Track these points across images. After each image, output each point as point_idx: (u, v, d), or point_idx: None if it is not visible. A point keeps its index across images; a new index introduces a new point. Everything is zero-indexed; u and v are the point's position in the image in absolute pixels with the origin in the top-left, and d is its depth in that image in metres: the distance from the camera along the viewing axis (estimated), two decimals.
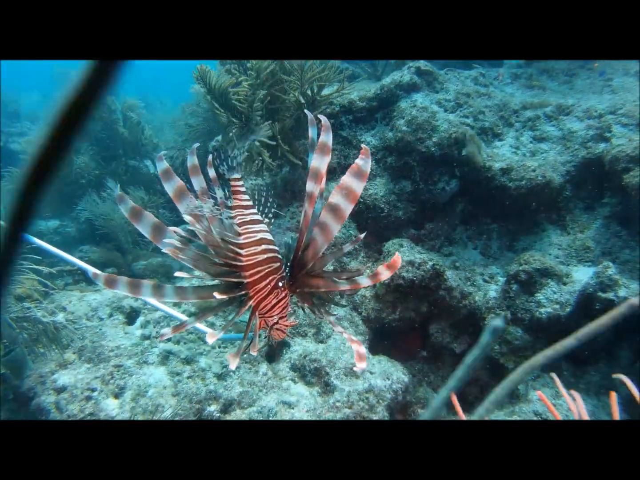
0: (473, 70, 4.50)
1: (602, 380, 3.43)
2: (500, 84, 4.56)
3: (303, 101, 3.73)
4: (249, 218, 1.94)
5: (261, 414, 3.10)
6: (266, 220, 2.07)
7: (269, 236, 1.89)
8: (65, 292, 3.90)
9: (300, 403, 3.19)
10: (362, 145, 1.53)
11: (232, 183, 2.12)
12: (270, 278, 1.80)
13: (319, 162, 1.64)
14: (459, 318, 3.69)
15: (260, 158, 3.61)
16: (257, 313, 1.78)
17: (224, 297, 1.69)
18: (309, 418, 3.09)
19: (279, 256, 1.85)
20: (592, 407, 3.25)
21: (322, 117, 1.68)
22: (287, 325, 1.83)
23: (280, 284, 1.82)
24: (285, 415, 3.09)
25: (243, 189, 2.07)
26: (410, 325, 3.73)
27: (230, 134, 3.47)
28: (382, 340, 3.79)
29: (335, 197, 1.60)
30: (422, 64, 4.14)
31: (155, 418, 3.03)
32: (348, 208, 1.60)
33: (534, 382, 3.35)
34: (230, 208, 1.99)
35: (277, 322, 1.81)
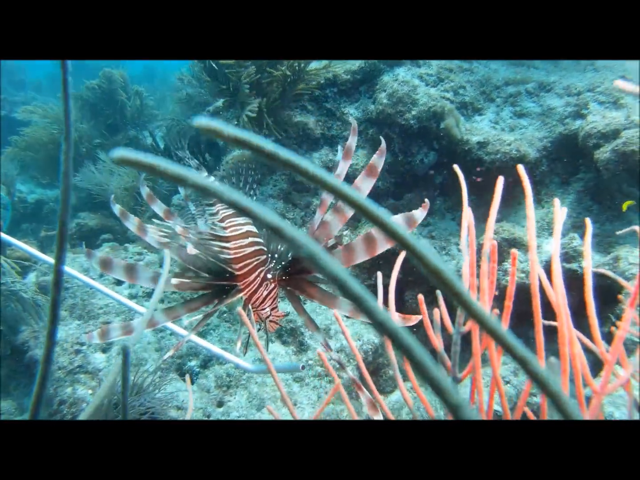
0: None
1: None
2: (486, 60, 4.63)
3: (289, 73, 3.84)
4: (231, 211, 2.03)
5: (238, 369, 3.28)
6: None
7: (253, 228, 1.98)
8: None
9: (276, 360, 3.37)
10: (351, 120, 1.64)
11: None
12: (259, 270, 1.89)
13: (342, 168, 1.75)
14: (433, 286, 3.83)
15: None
16: (250, 306, 1.85)
17: (217, 282, 1.80)
18: (285, 376, 3.27)
19: (264, 248, 1.94)
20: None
21: (353, 121, 1.78)
22: (279, 317, 1.88)
23: (269, 276, 1.91)
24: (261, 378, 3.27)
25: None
26: (386, 291, 3.88)
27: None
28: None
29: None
30: None
31: (138, 371, 3.21)
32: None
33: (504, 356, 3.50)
34: (212, 204, 2.11)
35: (269, 315, 1.86)
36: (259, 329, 1.86)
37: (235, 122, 3.86)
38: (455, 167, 1.61)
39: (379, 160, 1.65)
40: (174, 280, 1.67)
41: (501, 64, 4.67)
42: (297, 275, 1.86)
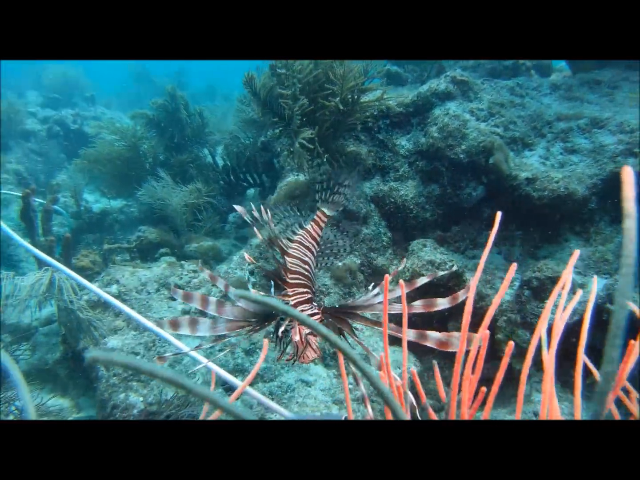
0: (510, 80, 4.65)
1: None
2: (538, 95, 4.68)
3: (342, 108, 4.00)
4: (300, 254, 2.28)
5: (280, 388, 3.45)
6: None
7: (309, 275, 2.21)
8: (119, 267, 4.36)
9: (317, 382, 3.52)
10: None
11: (318, 213, 2.52)
12: (308, 289, 2.10)
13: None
14: (477, 319, 3.90)
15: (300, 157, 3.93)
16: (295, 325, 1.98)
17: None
18: (323, 397, 3.41)
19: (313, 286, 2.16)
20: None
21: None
22: (315, 348, 1.91)
23: (315, 303, 2.10)
24: (302, 392, 3.43)
25: (322, 224, 2.43)
26: (430, 320, 3.97)
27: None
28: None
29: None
30: (458, 73, 4.34)
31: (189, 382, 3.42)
32: None
33: (539, 384, 3.53)
34: (293, 241, 2.36)
35: (308, 335, 1.91)
36: (293, 356, 1.93)
37: (291, 150, 4.05)
38: (498, 215, 1.55)
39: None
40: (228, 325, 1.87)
41: (554, 99, 4.71)
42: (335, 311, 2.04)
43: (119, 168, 6.64)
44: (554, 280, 3.50)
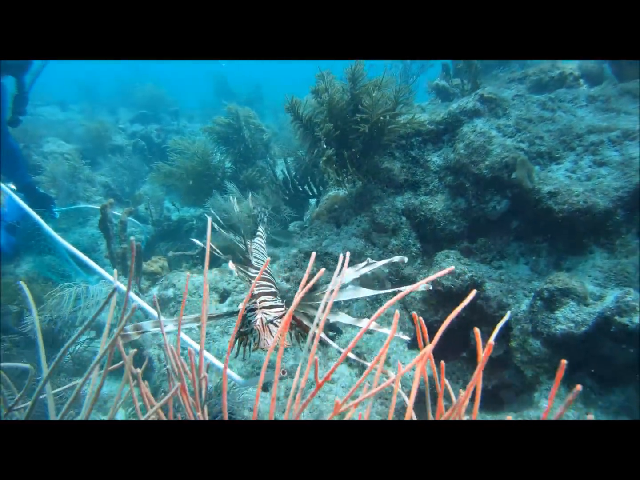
0: (542, 95, 4.76)
1: (625, 402, 3.66)
2: (574, 107, 4.75)
3: (369, 132, 4.31)
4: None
5: (306, 383, 3.83)
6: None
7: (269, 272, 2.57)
8: (177, 272, 4.93)
9: (340, 380, 3.88)
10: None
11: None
12: (272, 284, 2.46)
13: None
14: (494, 325, 4.10)
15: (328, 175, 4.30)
16: (257, 301, 2.21)
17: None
18: (343, 393, 3.76)
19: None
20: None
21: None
22: (279, 334, 1.96)
23: (278, 298, 2.40)
24: (325, 388, 3.79)
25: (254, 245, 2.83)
26: (451, 328, 4.20)
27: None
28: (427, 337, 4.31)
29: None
30: (486, 91, 4.53)
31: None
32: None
33: (549, 392, 3.69)
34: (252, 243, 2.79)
35: (271, 322, 2.06)
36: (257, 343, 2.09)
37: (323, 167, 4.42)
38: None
39: None
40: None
41: (589, 111, 4.76)
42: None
43: (191, 181, 7.29)
44: (564, 291, 3.65)
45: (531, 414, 3.57)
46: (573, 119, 4.58)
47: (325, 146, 4.12)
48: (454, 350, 4.35)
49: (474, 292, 1.44)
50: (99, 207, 5.63)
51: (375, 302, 4.31)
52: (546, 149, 4.35)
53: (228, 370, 2.66)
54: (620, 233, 4.12)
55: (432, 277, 1.80)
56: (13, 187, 6.04)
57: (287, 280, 4.37)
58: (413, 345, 4.19)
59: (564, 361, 1.02)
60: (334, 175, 4.25)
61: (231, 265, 2.19)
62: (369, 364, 2.10)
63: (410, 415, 1.35)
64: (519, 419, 3.58)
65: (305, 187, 6.84)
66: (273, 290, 2.32)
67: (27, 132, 8.24)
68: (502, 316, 4.00)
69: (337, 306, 4.06)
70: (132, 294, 2.88)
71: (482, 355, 1.37)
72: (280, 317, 2.14)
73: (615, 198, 4.06)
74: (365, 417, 1.39)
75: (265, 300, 2.20)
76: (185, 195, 7.71)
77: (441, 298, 4.12)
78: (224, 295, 4.73)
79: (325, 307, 1.41)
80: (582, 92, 4.92)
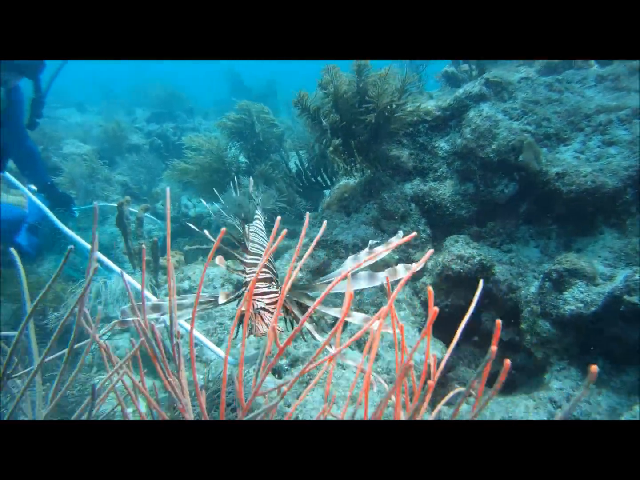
0: (549, 77, 4.73)
1: (637, 381, 3.64)
2: (582, 88, 4.72)
3: (376, 122, 4.34)
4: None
5: (318, 369, 3.90)
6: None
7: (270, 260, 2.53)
8: (192, 265, 5.03)
9: (351, 366, 3.93)
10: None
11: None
12: (267, 270, 2.46)
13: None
14: (506, 309, 4.12)
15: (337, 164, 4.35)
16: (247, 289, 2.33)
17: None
18: (357, 379, 3.81)
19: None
20: (616, 404, 3.51)
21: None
22: (270, 320, 1.95)
23: (274, 284, 2.41)
24: (337, 373, 3.86)
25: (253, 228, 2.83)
26: (462, 312, 4.22)
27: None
28: (438, 322, 4.34)
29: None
30: (491, 75, 4.52)
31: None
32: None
33: (559, 373, 3.69)
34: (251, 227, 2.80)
35: (263, 309, 2.06)
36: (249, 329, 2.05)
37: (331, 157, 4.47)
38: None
39: None
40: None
41: (598, 91, 4.72)
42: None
43: (207, 179, 7.38)
44: (572, 272, 3.65)
45: (541, 395, 3.58)
46: (581, 100, 4.54)
47: (331, 136, 4.16)
48: (465, 335, 4.37)
49: (481, 282, 1.50)
50: (116, 205, 5.76)
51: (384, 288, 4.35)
52: (554, 130, 4.33)
53: (212, 346, 2.73)
54: (631, 212, 4.09)
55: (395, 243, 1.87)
56: (34, 187, 6.20)
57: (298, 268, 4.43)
58: (422, 329, 4.22)
59: (594, 368, 1.02)
60: (342, 164, 4.30)
61: (219, 260, 2.21)
62: (353, 363, 2.14)
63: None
64: (531, 400, 3.60)
65: (319, 178, 6.89)
66: (269, 276, 2.32)
67: (46, 135, 8.43)
68: (512, 299, 4.02)
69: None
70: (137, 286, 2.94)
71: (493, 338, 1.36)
72: (273, 304, 2.13)
73: (624, 177, 4.03)
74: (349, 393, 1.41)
75: (258, 287, 2.19)
76: (201, 192, 7.83)
77: (451, 283, 4.15)
78: (238, 286, 4.81)
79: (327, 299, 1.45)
80: (592, 72, 4.87)
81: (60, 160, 8.24)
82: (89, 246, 4.15)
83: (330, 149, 4.11)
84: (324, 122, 4.23)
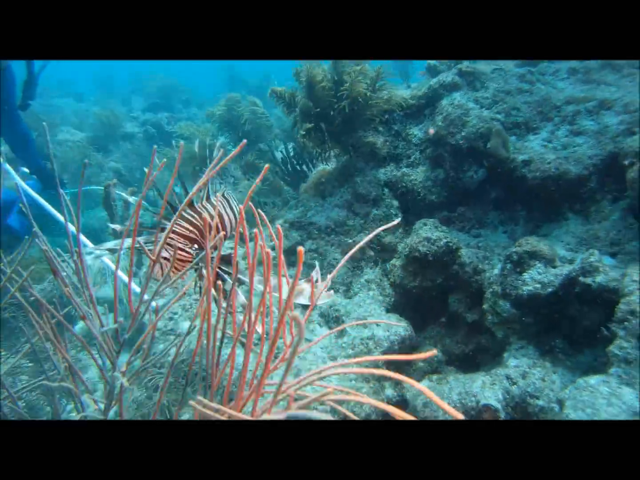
0: (522, 68, 4.85)
1: (593, 362, 3.76)
2: (554, 79, 4.84)
3: (348, 108, 4.46)
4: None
5: (285, 344, 4.02)
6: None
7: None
8: None
9: (320, 342, 4.06)
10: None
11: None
12: (196, 235, 2.44)
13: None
14: (472, 291, 4.24)
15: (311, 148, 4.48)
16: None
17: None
18: (321, 353, 3.94)
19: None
20: (569, 382, 3.61)
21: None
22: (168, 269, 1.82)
23: (196, 248, 2.45)
24: (303, 347, 3.98)
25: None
26: (430, 293, 4.36)
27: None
28: (407, 303, 4.47)
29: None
30: (464, 65, 4.65)
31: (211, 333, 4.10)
32: None
33: (517, 352, 3.81)
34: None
35: (167, 258, 2.07)
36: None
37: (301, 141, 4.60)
38: None
39: None
40: None
41: (569, 83, 4.84)
42: None
43: (193, 165, 7.52)
44: (531, 254, 3.77)
45: (498, 372, 3.69)
46: (552, 91, 4.67)
47: (302, 120, 4.29)
48: (434, 316, 4.50)
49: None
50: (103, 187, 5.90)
51: (356, 268, 4.48)
52: (523, 119, 4.46)
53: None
54: (596, 200, 4.21)
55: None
56: (26, 170, 6.34)
57: (272, 248, 4.55)
58: (391, 309, 4.36)
59: None
60: (316, 149, 4.43)
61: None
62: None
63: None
64: (488, 377, 3.71)
65: (304, 166, 7.03)
66: (194, 237, 2.32)
67: (40, 120, 8.57)
68: (477, 282, 4.14)
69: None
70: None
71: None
72: (182, 261, 2.17)
73: (589, 165, 4.15)
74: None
75: (174, 239, 2.21)
76: (191, 180, 7.97)
77: (418, 264, 4.27)
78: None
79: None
80: (565, 65, 4.99)
81: (55, 146, 8.39)
82: (73, 228, 4.28)
83: (301, 132, 4.25)
84: (297, 109, 4.37)
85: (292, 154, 7.07)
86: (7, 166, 5.85)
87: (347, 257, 1.85)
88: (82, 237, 3.12)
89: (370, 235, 1.83)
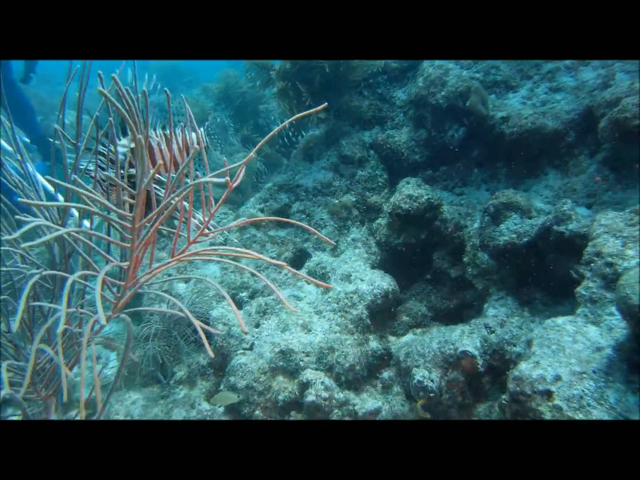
0: None
1: (572, 312, 3.87)
2: None
3: (329, 70, 4.58)
4: None
5: (275, 301, 4.20)
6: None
7: None
8: None
9: (306, 297, 4.22)
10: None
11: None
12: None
13: None
14: (455, 247, 4.36)
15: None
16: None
17: None
18: (308, 308, 4.10)
19: None
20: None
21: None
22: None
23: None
24: (292, 304, 4.14)
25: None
26: (414, 250, 4.48)
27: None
28: (393, 261, 4.61)
29: None
30: None
31: (204, 296, 4.29)
32: None
33: (496, 302, 3.93)
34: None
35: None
36: None
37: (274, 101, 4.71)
38: None
39: None
40: None
41: None
42: None
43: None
44: (508, 205, 3.88)
45: (477, 322, 3.82)
46: None
47: (277, 79, 4.43)
48: (420, 273, 4.63)
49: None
50: None
51: (343, 228, 4.62)
52: (502, 78, 4.54)
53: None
54: (574, 154, 4.29)
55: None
56: (27, 139, 6.51)
57: (262, 210, 4.72)
58: (377, 267, 4.49)
59: None
60: (293, 109, 4.55)
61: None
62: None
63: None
64: (467, 326, 3.84)
65: (299, 137, 7.17)
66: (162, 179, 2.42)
67: (46, 103, 8.77)
68: (459, 237, 4.26)
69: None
70: None
71: None
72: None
73: (566, 120, 4.23)
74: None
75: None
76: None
77: (402, 221, 4.39)
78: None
79: None
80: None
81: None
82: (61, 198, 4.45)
83: (275, 90, 4.38)
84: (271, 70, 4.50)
85: (287, 126, 7.20)
86: (3, 142, 6.02)
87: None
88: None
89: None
